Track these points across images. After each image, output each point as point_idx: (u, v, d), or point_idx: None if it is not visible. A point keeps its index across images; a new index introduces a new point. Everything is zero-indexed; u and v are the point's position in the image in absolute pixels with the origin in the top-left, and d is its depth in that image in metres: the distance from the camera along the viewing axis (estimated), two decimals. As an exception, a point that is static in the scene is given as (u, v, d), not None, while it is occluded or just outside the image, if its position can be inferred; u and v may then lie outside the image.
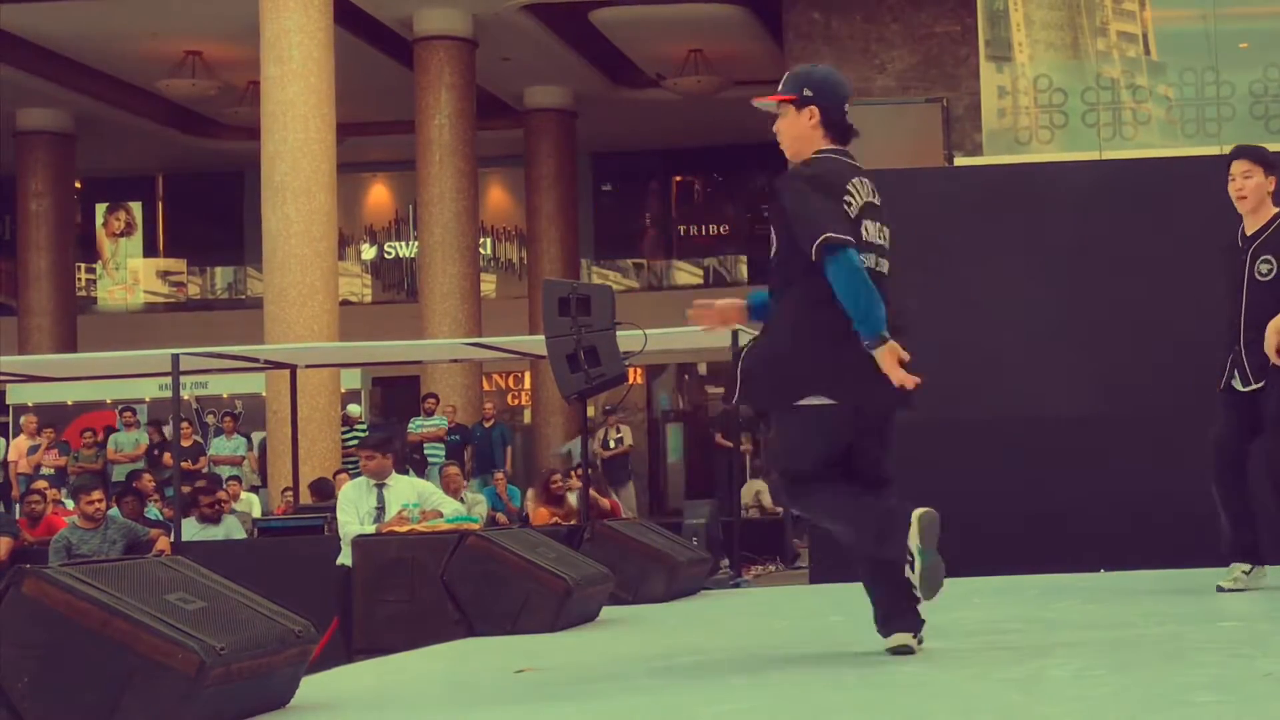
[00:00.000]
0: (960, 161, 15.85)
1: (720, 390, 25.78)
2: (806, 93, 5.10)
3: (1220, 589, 6.92)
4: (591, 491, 12.93)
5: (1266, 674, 4.34)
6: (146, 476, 16.22)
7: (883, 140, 16.37)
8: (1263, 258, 6.95)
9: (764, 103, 5.21)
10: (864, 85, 18.75)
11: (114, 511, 12.44)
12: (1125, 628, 5.84)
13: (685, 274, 28.77)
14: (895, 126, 16.86)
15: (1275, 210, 7.01)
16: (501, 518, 15.94)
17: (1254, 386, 6.90)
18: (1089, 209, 9.91)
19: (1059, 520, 9.42)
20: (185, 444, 17.43)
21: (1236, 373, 6.99)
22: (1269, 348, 6.74)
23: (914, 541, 4.78)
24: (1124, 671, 4.60)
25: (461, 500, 13.46)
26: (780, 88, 5.17)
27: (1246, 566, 6.96)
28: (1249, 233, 7.04)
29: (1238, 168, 7.04)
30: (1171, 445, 9.34)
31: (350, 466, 17.36)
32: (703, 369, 27.33)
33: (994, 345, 9.70)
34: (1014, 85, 15.65)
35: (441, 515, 9.63)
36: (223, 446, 18.97)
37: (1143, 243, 9.77)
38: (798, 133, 5.12)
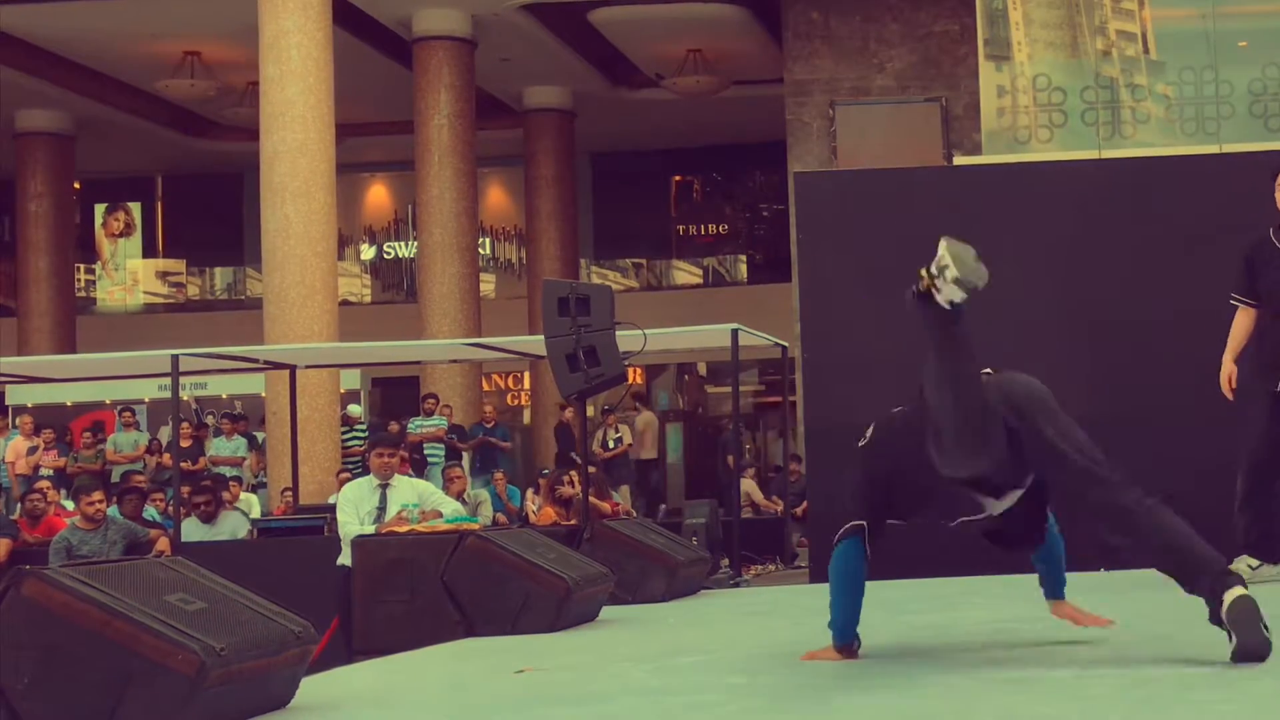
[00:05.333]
0: (960, 161, 15.85)
1: (720, 391, 25.80)
2: None
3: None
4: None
5: (1267, 673, 4.34)
6: (137, 477, 16.25)
7: (882, 140, 16.38)
8: None
9: None
10: (863, 85, 18.75)
11: (113, 511, 12.44)
12: (1125, 627, 5.83)
13: (684, 274, 28.77)
14: (894, 126, 16.86)
15: None
16: (501, 518, 15.94)
17: None
18: (1088, 208, 9.91)
19: (1059, 519, 9.40)
20: (185, 444, 17.42)
21: None
22: None
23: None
24: (1124, 671, 4.60)
25: (464, 501, 13.44)
26: None
27: (1255, 561, 7.06)
28: None
29: None
30: (1171, 444, 9.34)
31: (351, 467, 17.36)
32: (702, 369, 27.34)
33: (993, 344, 9.65)
34: (1013, 84, 15.65)
35: (441, 515, 9.63)
36: (223, 447, 18.96)
37: (1142, 241, 9.77)
38: None
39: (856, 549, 4.98)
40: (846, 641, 5.06)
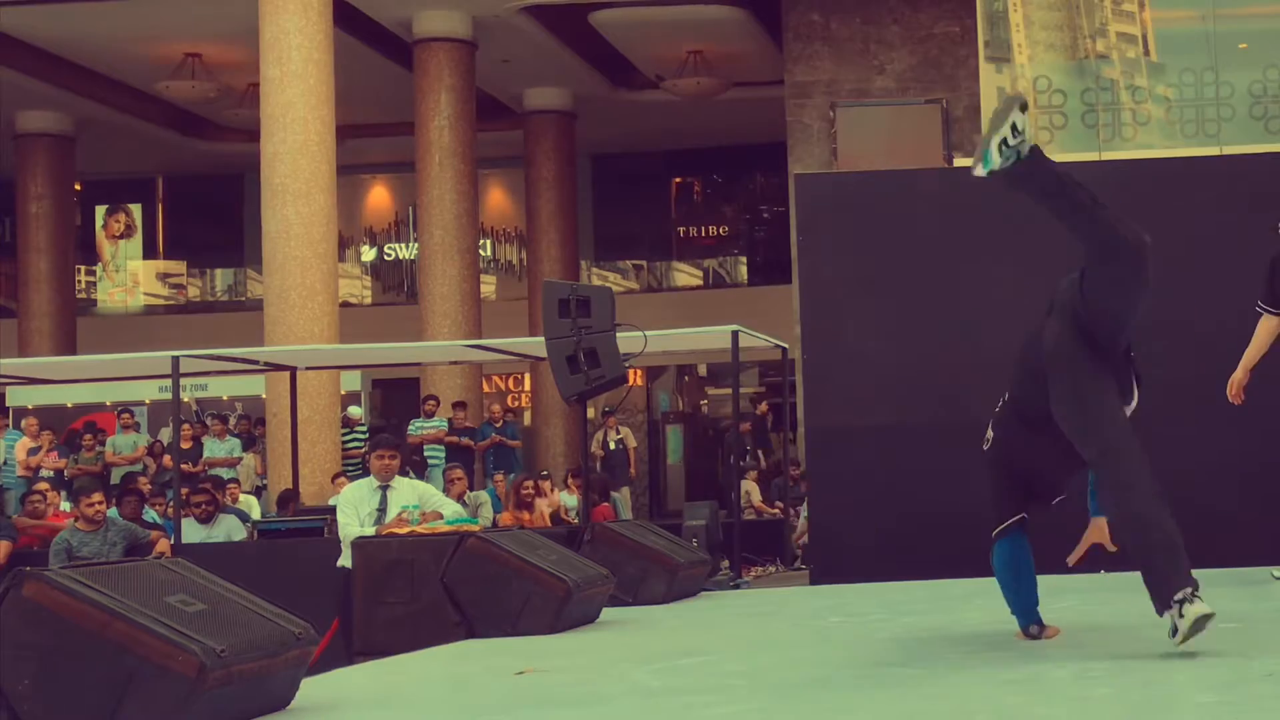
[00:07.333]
0: (960, 163, 15.83)
1: (721, 392, 25.80)
2: None
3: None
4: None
5: (1267, 674, 4.34)
6: (141, 479, 16.22)
7: (882, 141, 16.37)
8: None
9: None
10: (863, 86, 18.76)
11: (113, 513, 12.44)
12: (1125, 628, 5.84)
13: (685, 275, 28.77)
14: (895, 127, 16.84)
15: None
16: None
17: None
18: (1088, 210, 9.89)
19: (1059, 520, 9.41)
20: (185, 446, 17.41)
21: None
22: None
23: None
24: (1124, 671, 4.60)
25: (464, 503, 13.46)
26: None
27: None
28: None
29: None
30: (1170, 444, 9.34)
31: (351, 468, 17.35)
32: (702, 370, 27.33)
33: (993, 346, 9.68)
34: (1014, 86, 15.65)
35: (441, 517, 9.63)
36: (216, 449, 18.93)
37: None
38: None
39: (1018, 542, 5.51)
40: (1031, 622, 5.54)
